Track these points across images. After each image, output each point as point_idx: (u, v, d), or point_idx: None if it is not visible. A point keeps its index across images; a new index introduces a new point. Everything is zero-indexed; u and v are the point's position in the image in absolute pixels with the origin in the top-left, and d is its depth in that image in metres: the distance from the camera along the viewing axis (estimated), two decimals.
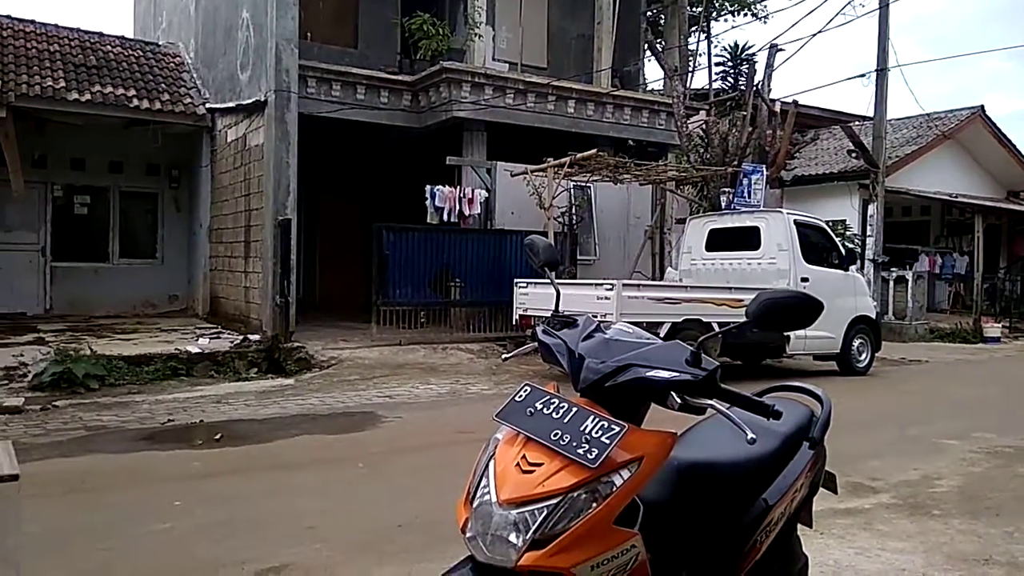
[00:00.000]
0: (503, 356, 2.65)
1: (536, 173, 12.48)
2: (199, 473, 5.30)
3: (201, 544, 3.89)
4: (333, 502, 4.68)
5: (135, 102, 12.96)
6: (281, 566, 3.58)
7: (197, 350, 9.82)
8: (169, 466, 5.48)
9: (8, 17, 14.44)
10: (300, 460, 5.75)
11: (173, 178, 14.86)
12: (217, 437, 6.22)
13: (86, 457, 5.63)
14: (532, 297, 10.64)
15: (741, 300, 9.64)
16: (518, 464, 1.77)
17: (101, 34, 15.22)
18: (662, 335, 8.52)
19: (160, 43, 16.57)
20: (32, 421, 6.81)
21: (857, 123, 19.97)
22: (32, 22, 14.62)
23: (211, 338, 10.85)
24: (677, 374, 1.81)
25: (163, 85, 13.98)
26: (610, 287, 9.32)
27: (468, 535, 1.76)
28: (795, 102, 16.62)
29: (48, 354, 8.81)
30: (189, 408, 7.47)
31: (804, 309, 1.85)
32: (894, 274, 17.34)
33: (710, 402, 1.81)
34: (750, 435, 1.75)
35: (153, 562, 3.66)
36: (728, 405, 1.84)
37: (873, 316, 11.58)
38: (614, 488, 1.71)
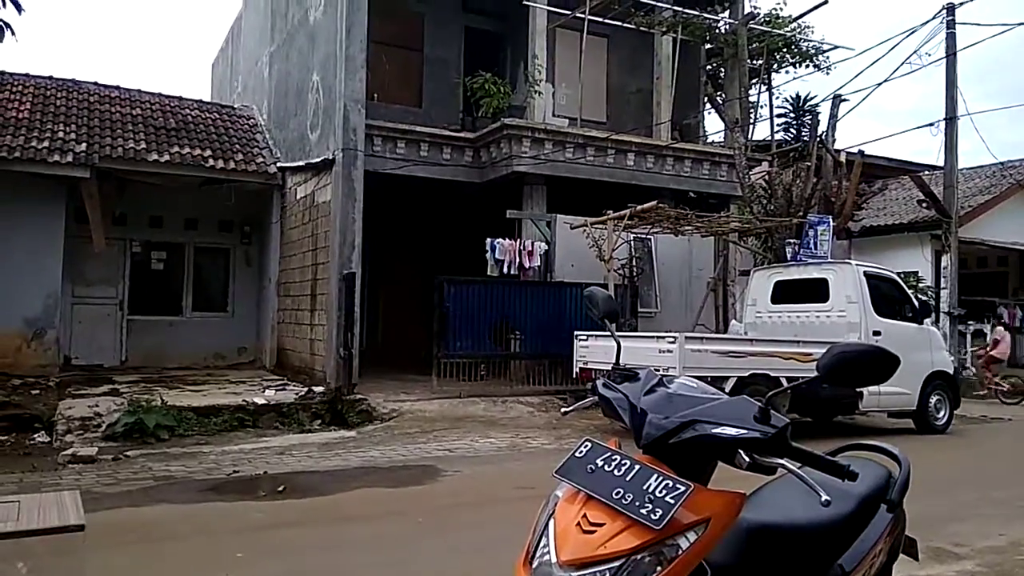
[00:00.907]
0: (563, 410, 2.61)
1: (596, 225, 12.49)
2: (261, 525, 5.34)
3: None
4: (392, 557, 4.65)
5: (211, 162, 13.54)
6: None
7: (263, 401, 10.00)
8: (233, 517, 5.54)
9: (95, 83, 15.35)
10: (360, 513, 5.75)
11: (244, 234, 15.38)
12: (280, 489, 6.28)
13: (154, 507, 5.74)
14: (592, 350, 10.53)
15: (810, 354, 9.37)
16: (579, 523, 1.72)
17: (180, 98, 16.03)
18: (727, 390, 8.30)
19: (235, 106, 17.36)
20: (104, 471, 7.00)
21: (927, 173, 19.48)
22: (117, 87, 15.51)
23: (277, 390, 11.05)
24: (745, 431, 1.74)
25: (237, 146, 14.58)
26: (672, 340, 9.16)
27: None
28: (861, 152, 16.32)
29: (122, 405, 9.09)
30: (254, 459, 7.57)
31: (879, 363, 1.77)
32: (972, 327, 16.64)
33: (781, 461, 1.74)
34: (824, 497, 1.67)
35: None
36: (800, 465, 1.76)
37: (951, 371, 11.10)
38: (680, 551, 1.64)
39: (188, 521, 5.42)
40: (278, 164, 14.29)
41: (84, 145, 12.49)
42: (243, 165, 13.93)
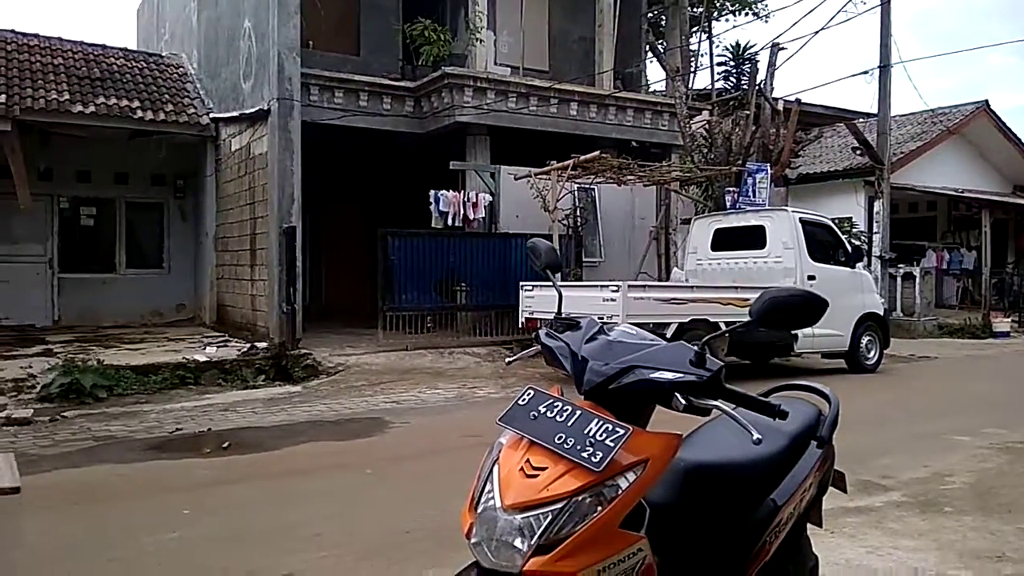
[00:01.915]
0: (507, 359, 2.64)
1: (540, 176, 12.47)
2: (207, 481, 5.30)
3: (210, 553, 3.89)
4: (341, 509, 4.68)
5: (139, 113, 13.01)
6: (289, 574, 3.57)
7: (204, 359, 9.84)
8: (177, 475, 5.49)
9: (12, 31, 14.51)
10: (308, 467, 5.75)
11: (178, 188, 14.91)
12: (225, 445, 6.23)
13: (95, 467, 5.63)
14: (538, 300, 10.63)
15: (747, 299, 9.58)
16: (522, 468, 1.76)
17: (104, 46, 15.29)
18: (668, 336, 8.49)
19: (163, 54, 16.64)
20: (41, 432, 6.82)
21: (861, 120, 19.91)
22: (36, 36, 14.69)
23: (218, 346, 10.87)
24: (681, 375, 1.79)
25: (167, 96, 14.03)
26: (616, 288, 9.29)
27: (473, 541, 1.74)
28: (798, 100, 16.55)
29: (56, 365, 8.84)
30: (197, 417, 7.48)
31: (809, 307, 1.83)
32: (901, 271, 17.27)
33: (715, 403, 1.80)
34: (756, 436, 1.73)
35: (161, 571, 3.66)
36: (734, 406, 1.82)
37: (881, 313, 11.53)
38: (619, 491, 1.69)
39: (131, 480, 5.35)
40: (210, 115, 13.82)
41: (3, 96, 11.83)
42: (173, 116, 13.42)
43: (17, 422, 7.13)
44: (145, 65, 15.05)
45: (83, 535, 4.18)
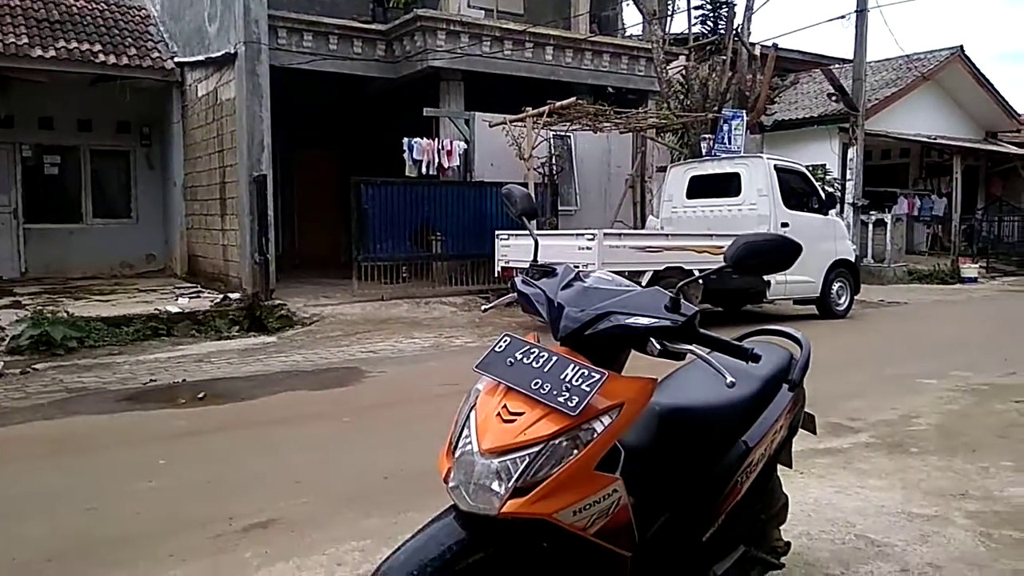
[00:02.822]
0: (483, 307, 2.63)
1: (515, 123, 12.33)
2: (183, 432, 5.29)
3: (188, 501, 3.91)
4: (319, 456, 4.70)
5: (101, 57, 12.60)
6: (268, 520, 3.60)
7: (177, 310, 9.74)
8: (153, 426, 5.47)
9: None
10: (285, 416, 5.76)
11: (144, 135, 14.55)
12: (200, 396, 6.21)
13: (68, 419, 5.60)
14: (514, 248, 10.60)
15: (722, 247, 9.60)
16: (499, 414, 1.77)
17: None
18: (644, 283, 8.54)
19: None
20: (12, 385, 6.75)
21: (837, 66, 19.84)
22: None
23: (191, 297, 10.76)
24: (656, 320, 1.80)
25: (129, 39, 13.58)
26: (591, 237, 9.30)
27: (451, 485, 1.76)
28: (775, 46, 16.42)
29: (25, 317, 8.70)
30: (171, 368, 7.43)
31: (782, 252, 1.84)
32: (873, 217, 17.45)
33: (689, 347, 1.81)
34: (729, 379, 1.75)
35: (139, 519, 3.67)
36: (708, 350, 1.84)
37: (852, 260, 11.68)
38: (595, 435, 1.71)
39: (105, 431, 5.32)
40: (175, 59, 13.42)
41: None
42: (136, 60, 13.02)
43: None
44: (106, 7, 14.51)
45: (59, 486, 4.17)
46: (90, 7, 14.20)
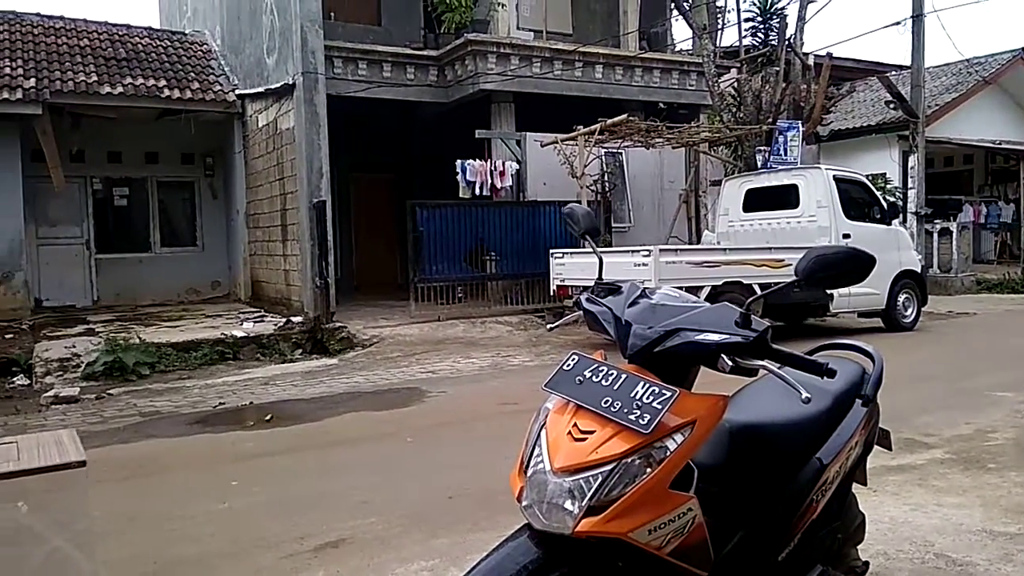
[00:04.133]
0: (548, 326, 2.65)
1: (566, 142, 12.37)
2: (253, 453, 5.42)
3: (260, 521, 4.00)
4: (384, 477, 4.76)
5: (166, 92, 13.10)
6: (338, 540, 3.66)
7: (242, 334, 10.00)
8: (224, 448, 5.62)
9: (38, 15, 14.66)
10: (349, 437, 5.86)
11: (208, 166, 15.05)
12: (268, 418, 6.36)
13: (143, 442, 5.79)
14: (569, 267, 10.59)
15: (782, 260, 9.54)
16: (570, 432, 1.78)
17: (129, 26, 15.38)
18: (702, 299, 8.44)
19: (187, 32, 16.70)
20: (89, 410, 7.02)
21: (894, 73, 19.39)
22: (61, 18, 14.83)
23: (255, 322, 11.04)
24: (727, 336, 1.79)
25: (192, 74, 14.10)
26: (647, 253, 9.24)
27: (524, 504, 1.77)
28: (829, 54, 16.18)
29: (99, 344, 9.05)
30: (238, 391, 7.63)
31: (856, 264, 1.82)
32: (938, 226, 16.94)
33: (762, 363, 1.80)
34: (805, 395, 1.73)
35: (216, 540, 3.77)
36: (779, 365, 1.82)
37: (918, 270, 11.35)
38: (668, 453, 1.71)
39: (180, 454, 5.49)
40: (236, 91, 13.88)
41: (33, 80, 12.01)
42: (200, 94, 13.50)
43: (65, 400, 7.34)
44: (170, 43, 15.13)
45: (137, 507, 4.31)
46: (155, 44, 14.81)
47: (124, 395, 7.60)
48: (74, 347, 9.23)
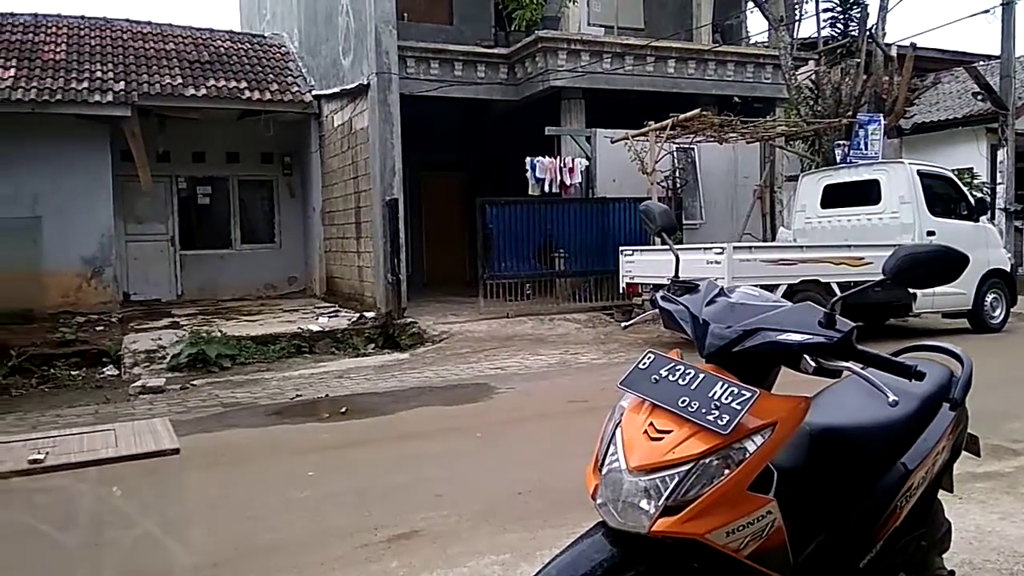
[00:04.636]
0: (623, 324, 2.63)
1: (637, 138, 12.25)
2: (328, 445, 5.57)
3: (336, 512, 4.10)
4: (455, 471, 4.83)
5: (247, 94, 13.52)
6: (411, 532, 3.73)
7: (318, 328, 10.26)
8: (300, 438, 5.79)
9: (127, 20, 15.31)
10: (421, 430, 5.95)
11: (286, 165, 15.47)
12: (343, 410, 6.51)
13: (225, 432, 6.01)
14: (638, 265, 10.49)
15: (862, 258, 9.26)
16: (646, 431, 1.77)
17: (211, 30, 15.92)
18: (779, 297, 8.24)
19: (266, 35, 17.18)
20: (174, 399, 7.32)
21: (982, 63, 18.51)
22: (148, 23, 15.45)
23: (330, 317, 11.31)
24: (811, 337, 1.75)
25: (271, 75, 14.51)
26: (720, 250, 9.08)
27: (599, 502, 1.77)
28: (913, 45, 15.54)
29: (183, 337, 9.42)
30: (314, 384, 7.84)
31: (948, 263, 1.75)
32: None
33: (847, 364, 1.75)
34: (892, 397, 1.68)
35: (293, 529, 3.89)
36: (864, 367, 1.77)
37: (1007, 269, 10.84)
38: (747, 454, 1.68)
39: (259, 444, 5.68)
40: (313, 92, 14.22)
41: (122, 83, 12.56)
42: (279, 95, 13.89)
43: (152, 390, 7.68)
44: (250, 46, 15.59)
45: (219, 494, 4.48)
46: (236, 47, 15.30)
47: (206, 386, 7.89)
48: (160, 339, 9.63)
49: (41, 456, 2.46)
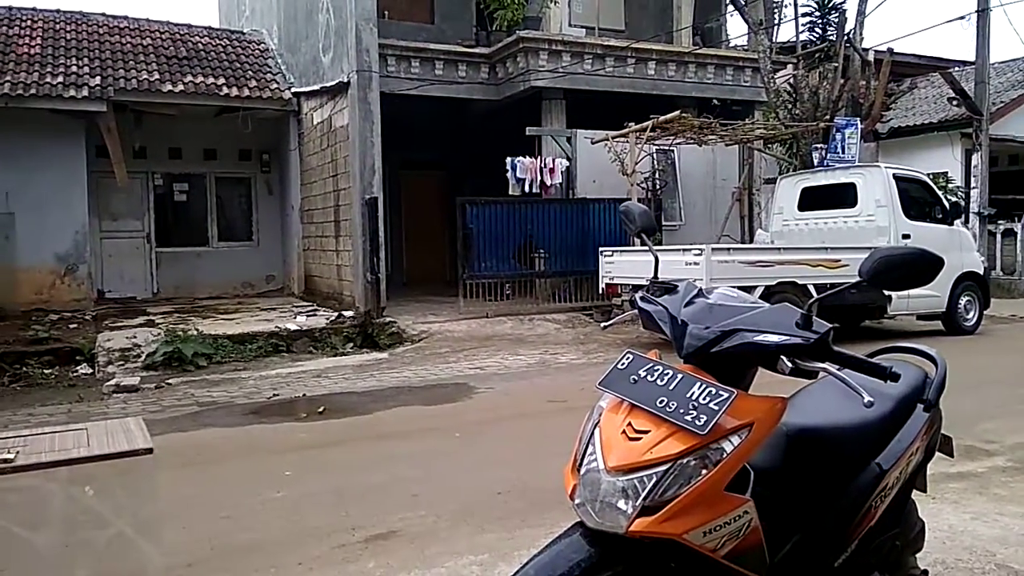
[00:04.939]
0: (602, 324, 2.63)
1: (617, 139, 12.29)
2: (305, 444, 5.53)
3: (312, 512, 4.07)
4: (433, 471, 4.81)
5: (224, 90, 13.39)
6: (389, 532, 3.71)
7: (296, 327, 10.19)
8: (277, 438, 5.74)
9: (103, 15, 15.11)
10: (399, 430, 5.93)
11: (264, 162, 15.34)
12: (320, 410, 6.47)
13: (200, 431, 5.95)
14: (618, 265, 10.53)
15: (838, 260, 9.35)
16: (624, 431, 1.77)
17: (189, 25, 15.75)
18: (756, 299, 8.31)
19: (245, 31, 17.04)
20: (148, 399, 7.23)
21: (957, 69, 18.81)
22: (125, 17, 15.26)
23: (308, 315, 11.24)
24: (788, 338, 1.76)
25: (250, 72, 14.39)
26: (699, 252, 9.14)
27: (576, 502, 1.77)
28: (890, 50, 15.76)
29: (158, 335, 9.31)
30: (291, 383, 7.78)
31: (923, 266, 1.77)
32: (1002, 227, 16.39)
33: (823, 365, 1.77)
34: (867, 399, 1.69)
35: (270, 529, 3.86)
36: (840, 368, 1.79)
37: (981, 272, 11.01)
38: (724, 454, 1.69)
39: (236, 443, 5.63)
40: (292, 89, 14.11)
41: (98, 78, 12.39)
42: (257, 92, 13.76)
43: (126, 389, 7.58)
44: (228, 43, 15.45)
45: (194, 494, 4.43)
46: (214, 43, 15.15)
47: (182, 385, 7.81)
48: (135, 338, 9.51)
49: (11, 456, 2.42)
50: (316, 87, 13.04)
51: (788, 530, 1.97)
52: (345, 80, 11.64)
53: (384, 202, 11.91)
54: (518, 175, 12.52)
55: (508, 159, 12.54)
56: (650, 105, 12.82)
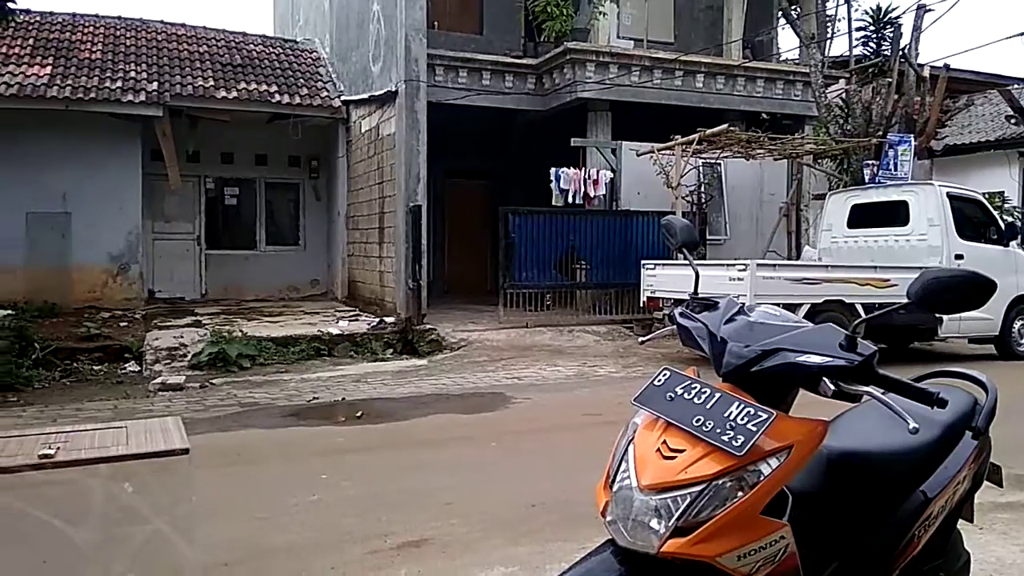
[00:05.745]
0: (640, 339, 2.60)
1: (663, 152, 12.21)
2: (343, 448, 5.57)
3: (347, 516, 4.10)
4: (468, 480, 4.81)
5: (277, 97, 13.66)
6: (421, 540, 3.72)
7: (337, 332, 10.31)
8: (315, 441, 5.80)
9: (162, 22, 15.55)
10: (436, 438, 5.94)
11: (312, 169, 15.59)
12: (359, 415, 6.52)
13: (241, 432, 6.04)
14: (660, 279, 10.43)
15: (888, 279, 9.15)
16: (659, 449, 1.74)
17: (244, 34, 16.11)
18: (800, 317, 8.15)
19: (298, 40, 17.37)
20: (192, 398, 7.37)
21: (1016, 86, 18.26)
22: (183, 25, 15.68)
23: (350, 320, 11.36)
24: (830, 359, 1.71)
25: (301, 80, 14.65)
26: (743, 267, 9.00)
27: (608, 519, 1.74)
28: (946, 66, 15.42)
29: (205, 336, 9.50)
30: (331, 387, 7.87)
31: (975, 289, 1.70)
32: None
33: (867, 388, 1.71)
34: (912, 424, 1.64)
35: (305, 531, 3.89)
36: (885, 392, 1.73)
37: None
38: (761, 477, 1.65)
39: (275, 445, 5.70)
40: (342, 98, 14.33)
41: (155, 84, 12.75)
42: (308, 100, 14.01)
43: (171, 388, 7.74)
44: (282, 51, 15.76)
45: (232, 494, 4.49)
46: (267, 51, 15.47)
47: (225, 385, 7.95)
48: (182, 337, 9.72)
49: (52, 451, 2.48)
50: (365, 96, 13.22)
51: (827, 557, 1.91)
52: (393, 89, 11.78)
53: (428, 210, 12.00)
54: (562, 185, 12.51)
55: (552, 169, 12.55)
56: (697, 118, 12.70)
